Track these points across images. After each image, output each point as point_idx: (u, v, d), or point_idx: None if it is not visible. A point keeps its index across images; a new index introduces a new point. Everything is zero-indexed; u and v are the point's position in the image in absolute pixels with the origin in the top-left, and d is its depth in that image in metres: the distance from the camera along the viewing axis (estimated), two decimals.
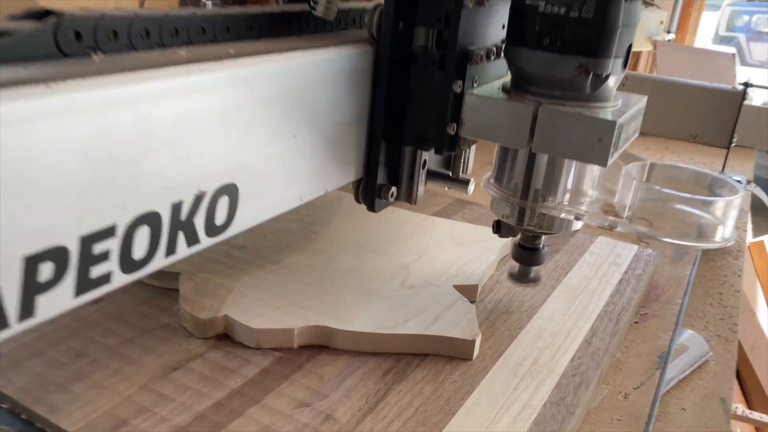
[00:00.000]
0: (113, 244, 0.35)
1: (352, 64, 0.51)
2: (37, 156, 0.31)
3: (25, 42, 0.33)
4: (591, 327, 0.59)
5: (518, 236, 0.58)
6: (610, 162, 0.46)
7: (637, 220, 0.53)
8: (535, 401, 0.49)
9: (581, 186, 0.54)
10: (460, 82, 0.50)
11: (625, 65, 0.49)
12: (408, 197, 0.58)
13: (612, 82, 0.48)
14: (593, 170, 0.54)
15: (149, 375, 0.48)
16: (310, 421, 0.45)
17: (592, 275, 0.69)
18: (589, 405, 0.52)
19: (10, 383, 0.45)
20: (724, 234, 0.52)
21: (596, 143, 0.46)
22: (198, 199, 0.40)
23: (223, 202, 0.43)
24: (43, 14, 0.34)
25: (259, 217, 0.47)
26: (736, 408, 1.10)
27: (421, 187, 0.59)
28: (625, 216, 0.53)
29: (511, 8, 0.49)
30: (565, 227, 0.54)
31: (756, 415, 1.09)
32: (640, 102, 0.53)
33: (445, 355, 0.53)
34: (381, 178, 0.55)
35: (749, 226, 1.01)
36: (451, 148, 0.53)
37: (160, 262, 0.39)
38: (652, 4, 2.41)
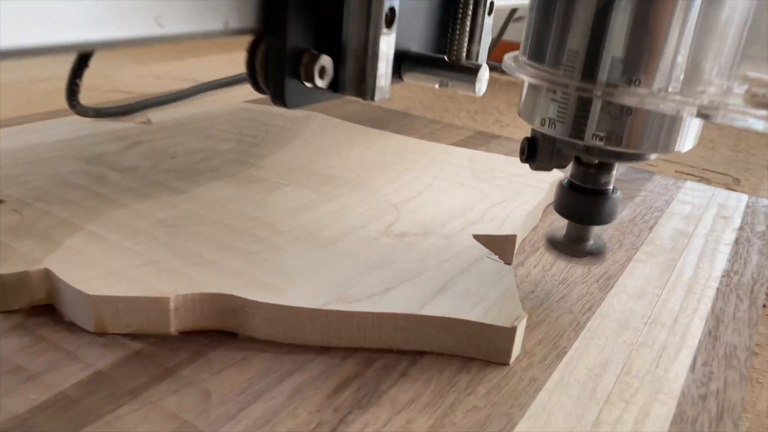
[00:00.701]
0: None
1: None
2: None
3: None
4: (711, 310, 0.34)
5: (567, 167, 0.32)
6: None
7: None
8: None
9: (703, 60, 0.27)
10: None
11: None
12: (358, 85, 0.32)
13: None
14: (729, 30, 0.28)
15: None
16: None
17: (692, 231, 0.44)
18: None
19: None
20: None
21: None
22: None
23: None
24: None
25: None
26: None
27: (384, 66, 0.31)
28: None
29: None
30: (665, 142, 0.27)
31: None
32: None
33: (458, 354, 0.28)
34: (297, 37, 0.29)
35: None
36: None
37: None
38: None
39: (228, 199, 0.37)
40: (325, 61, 0.29)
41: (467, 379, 0.27)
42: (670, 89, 0.26)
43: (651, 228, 0.44)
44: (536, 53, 0.28)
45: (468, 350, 0.28)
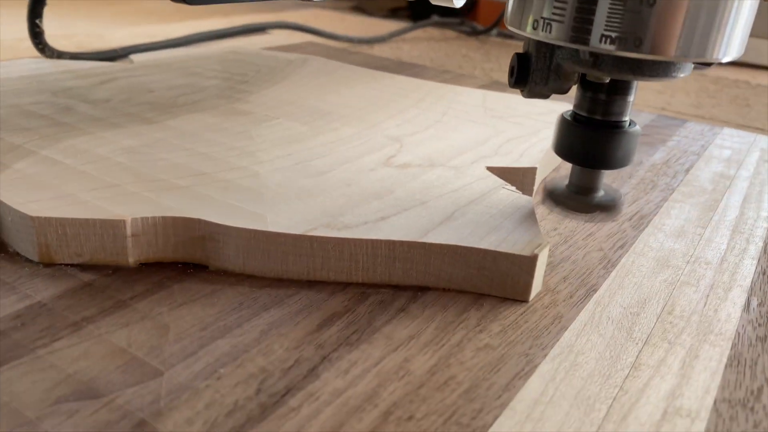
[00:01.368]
0: None
1: None
2: None
3: None
4: (764, 249, 0.29)
5: (573, 92, 0.25)
6: None
7: None
8: (689, 398, 0.19)
9: None
10: None
11: None
12: None
13: None
14: None
15: None
16: None
17: (734, 174, 0.39)
18: None
19: None
20: None
21: None
22: None
23: None
24: None
25: None
26: None
27: None
28: None
29: None
30: (701, 44, 0.21)
31: None
32: None
33: (467, 290, 0.24)
34: None
35: None
36: None
37: None
38: None
39: (205, 129, 0.33)
40: None
41: (478, 316, 0.23)
42: None
43: (687, 171, 0.39)
44: None
45: (479, 285, 0.24)
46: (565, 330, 0.22)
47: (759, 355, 0.22)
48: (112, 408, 0.17)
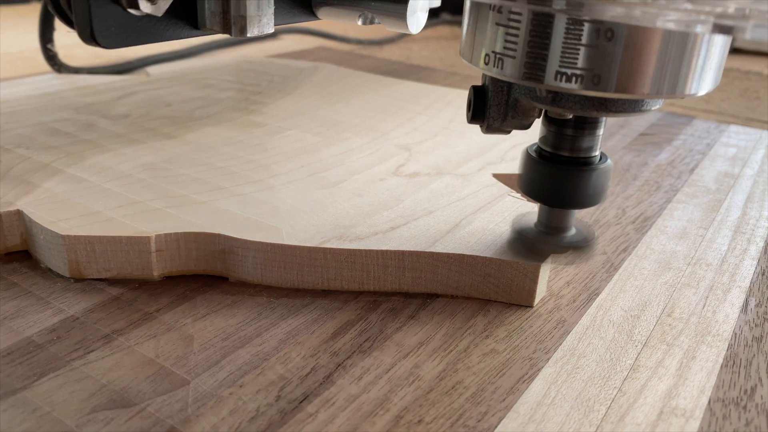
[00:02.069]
0: None
1: None
2: None
3: None
4: (764, 250, 0.30)
5: (539, 120, 0.23)
6: None
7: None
8: (684, 398, 0.20)
9: None
10: None
11: None
12: (223, 16, 0.26)
13: None
14: None
15: None
16: None
17: (738, 173, 0.39)
18: None
19: None
20: None
21: None
22: None
23: None
24: None
25: None
26: None
27: None
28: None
29: None
30: (671, 80, 0.18)
31: None
32: None
33: (473, 296, 0.25)
34: None
35: None
36: None
37: None
38: None
39: (222, 143, 0.34)
40: None
41: (484, 322, 0.24)
42: None
43: (692, 170, 0.40)
44: None
45: (486, 291, 0.25)
46: (568, 334, 0.23)
47: (754, 355, 0.23)
48: (144, 416, 0.19)
